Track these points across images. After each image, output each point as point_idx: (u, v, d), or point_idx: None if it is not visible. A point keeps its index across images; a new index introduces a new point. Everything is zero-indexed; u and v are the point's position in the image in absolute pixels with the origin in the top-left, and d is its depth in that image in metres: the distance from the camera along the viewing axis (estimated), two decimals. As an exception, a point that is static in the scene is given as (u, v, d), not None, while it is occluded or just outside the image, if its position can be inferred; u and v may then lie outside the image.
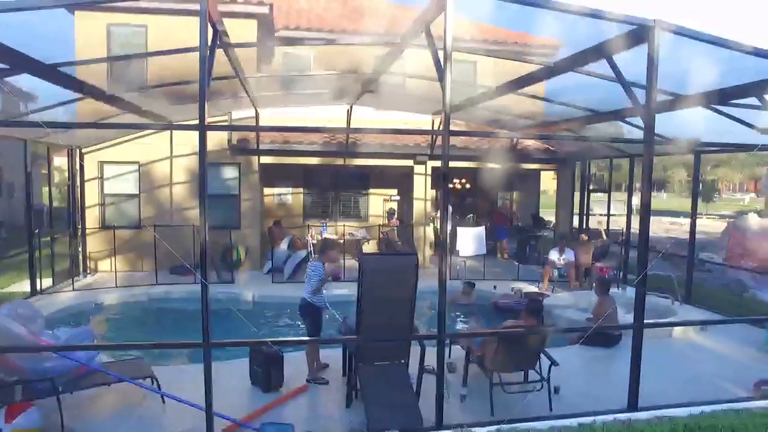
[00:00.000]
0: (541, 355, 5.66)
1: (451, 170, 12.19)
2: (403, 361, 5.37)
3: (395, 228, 12.51)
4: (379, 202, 14.14)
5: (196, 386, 4.59)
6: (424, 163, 12.21)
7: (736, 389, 6.10)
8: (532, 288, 10.51)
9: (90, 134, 10.68)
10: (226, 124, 11.39)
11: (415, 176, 12.37)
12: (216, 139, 11.29)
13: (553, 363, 5.48)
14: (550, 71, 6.68)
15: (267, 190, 13.51)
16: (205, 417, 4.50)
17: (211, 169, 11.71)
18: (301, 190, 13.88)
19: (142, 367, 5.27)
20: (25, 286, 9.76)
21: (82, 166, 10.97)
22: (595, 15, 4.82)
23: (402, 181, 13.47)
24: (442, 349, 4.93)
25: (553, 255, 10.65)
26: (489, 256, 12.07)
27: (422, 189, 12.43)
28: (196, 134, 4.59)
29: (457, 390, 5.75)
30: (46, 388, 4.54)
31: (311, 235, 12.19)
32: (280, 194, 13.78)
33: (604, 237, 11.52)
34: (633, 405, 5.40)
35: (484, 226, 11.81)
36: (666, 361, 6.97)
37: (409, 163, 12.22)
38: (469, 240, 11.25)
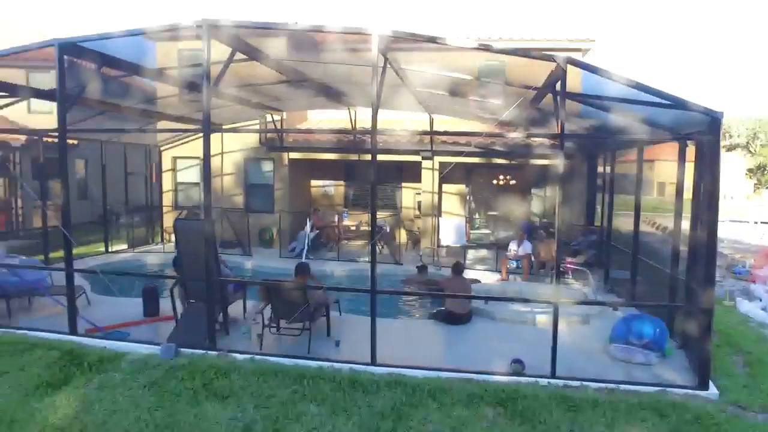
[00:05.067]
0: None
1: (488, 166, 13.70)
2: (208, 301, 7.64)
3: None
4: (410, 195, 16.06)
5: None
6: (430, 158, 13.84)
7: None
8: (494, 276, 11.63)
9: (169, 135, 14.98)
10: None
11: (423, 171, 14.07)
12: (253, 138, 14.66)
13: (310, 316, 7.34)
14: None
15: (313, 182, 16.58)
16: (68, 319, 7.62)
17: (252, 163, 15.19)
18: (342, 182, 16.59)
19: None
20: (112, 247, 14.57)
21: (160, 161, 15.40)
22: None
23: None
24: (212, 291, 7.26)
25: (512, 246, 11.48)
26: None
27: (430, 182, 14.08)
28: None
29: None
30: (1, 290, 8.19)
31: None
32: (324, 186, 16.70)
33: (580, 237, 11.80)
34: (373, 360, 6.94)
35: (465, 218, 13.02)
36: (495, 337, 8.04)
37: (418, 158, 13.98)
38: (450, 230, 12.65)
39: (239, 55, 7.88)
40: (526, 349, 7.22)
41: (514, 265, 11.41)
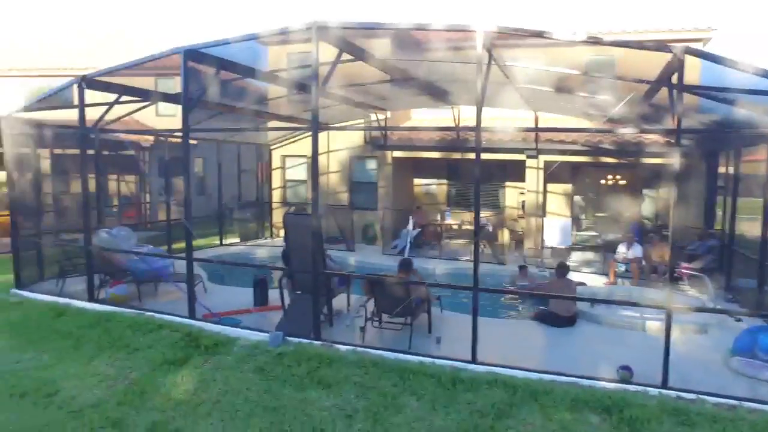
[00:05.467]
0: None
1: (595, 165, 13.28)
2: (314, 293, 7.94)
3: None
4: (514, 194, 15.74)
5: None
6: (534, 157, 13.50)
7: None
8: (601, 279, 11.21)
9: (278, 135, 15.79)
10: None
11: (528, 170, 13.75)
12: (358, 137, 15.09)
13: (412, 312, 7.44)
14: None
15: (416, 181, 16.75)
16: (188, 304, 8.27)
17: (356, 161, 15.60)
18: (445, 181, 16.61)
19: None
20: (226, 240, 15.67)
21: (270, 159, 16.26)
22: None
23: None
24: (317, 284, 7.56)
25: (620, 249, 10.94)
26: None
27: (534, 181, 13.74)
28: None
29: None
30: (134, 276, 9.06)
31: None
32: (427, 184, 16.82)
33: (697, 241, 11.01)
34: (474, 359, 6.93)
35: (570, 218, 12.51)
36: (601, 342, 7.81)
37: (522, 157, 13.68)
38: (555, 231, 12.26)
39: (345, 56, 8.14)
40: (634, 356, 6.91)
41: (622, 268, 10.88)
